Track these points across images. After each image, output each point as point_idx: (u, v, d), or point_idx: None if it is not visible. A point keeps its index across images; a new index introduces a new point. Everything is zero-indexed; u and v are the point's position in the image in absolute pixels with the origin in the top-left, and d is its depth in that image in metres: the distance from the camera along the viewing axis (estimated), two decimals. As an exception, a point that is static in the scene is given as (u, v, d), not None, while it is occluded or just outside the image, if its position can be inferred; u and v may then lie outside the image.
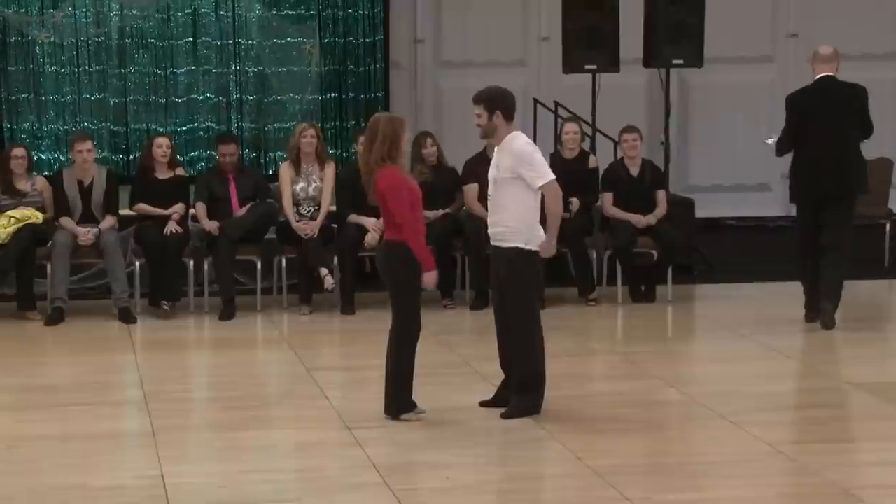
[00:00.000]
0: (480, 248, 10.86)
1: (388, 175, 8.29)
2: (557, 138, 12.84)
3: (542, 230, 8.54)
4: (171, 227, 11.89)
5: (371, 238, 11.62)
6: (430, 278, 8.40)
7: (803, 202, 11.35)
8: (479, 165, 11.25)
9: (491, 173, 8.63)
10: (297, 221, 12.03)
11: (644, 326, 11.67)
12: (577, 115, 13.63)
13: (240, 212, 12.08)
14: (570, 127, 12.63)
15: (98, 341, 11.08)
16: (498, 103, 8.53)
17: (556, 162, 12.49)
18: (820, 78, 11.34)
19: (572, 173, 12.39)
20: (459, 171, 12.43)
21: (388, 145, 8.29)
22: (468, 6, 15.71)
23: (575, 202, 12.16)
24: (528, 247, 8.47)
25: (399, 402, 8.43)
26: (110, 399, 9.34)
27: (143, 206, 12.10)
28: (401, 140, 8.32)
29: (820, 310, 11.12)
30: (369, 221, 11.77)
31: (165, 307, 11.83)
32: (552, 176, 8.45)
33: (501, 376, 8.75)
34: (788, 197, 11.77)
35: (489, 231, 8.65)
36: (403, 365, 8.41)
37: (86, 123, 14.56)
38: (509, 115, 8.56)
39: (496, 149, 8.63)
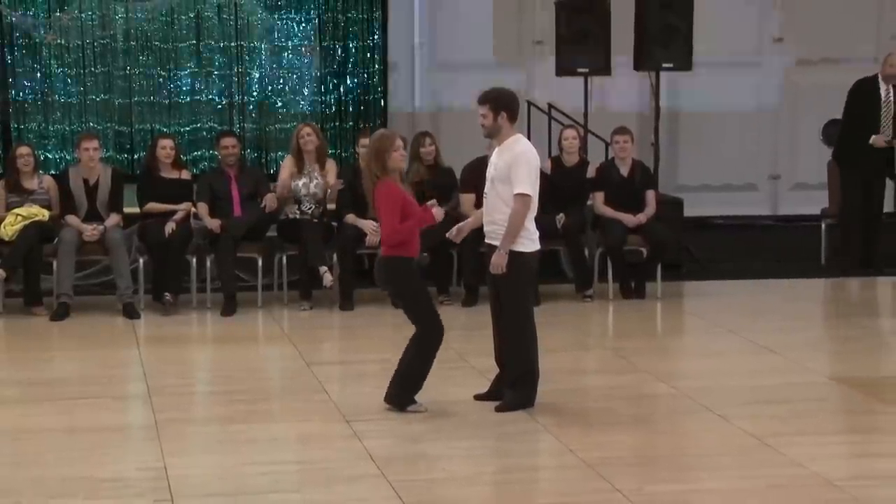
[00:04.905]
0: (473, 246, 10.90)
1: (382, 189, 8.42)
2: (557, 144, 12.88)
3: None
4: (170, 227, 11.97)
5: (371, 239, 11.74)
6: (438, 213, 8.57)
7: (855, 176, 13.69)
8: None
9: (489, 172, 8.67)
10: (298, 217, 12.15)
11: (634, 322, 11.74)
12: (570, 116, 13.82)
13: (242, 216, 12.24)
14: (570, 133, 12.73)
15: (103, 336, 11.10)
16: (503, 104, 8.57)
17: (556, 169, 12.64)
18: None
19: (571, 182, 12.54)
20: (456, 170, 12.49)
21: (374, 162, 8.44)
22: (464, 10, 15.81)
23: (561, 217, 12.29)
24: (520, 247, 8.52)
25: (403, 395, 8.52)
26: (114, 393, 9.33)
27: (154, 205, 12.20)
28: (384, 155, 8.39)
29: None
30: (367, 225, 11.88)
31: (168, 298, 11.89)
32: (530, 192, 8.46)
33: (495, 370, 8.80)
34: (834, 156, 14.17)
35: (484, 229, 8.69)
36: (422, 361, 8.48)
37: (91, 123, 14.67)
38: (513, 117, 8.61)
39: (496, 149, 8.66)
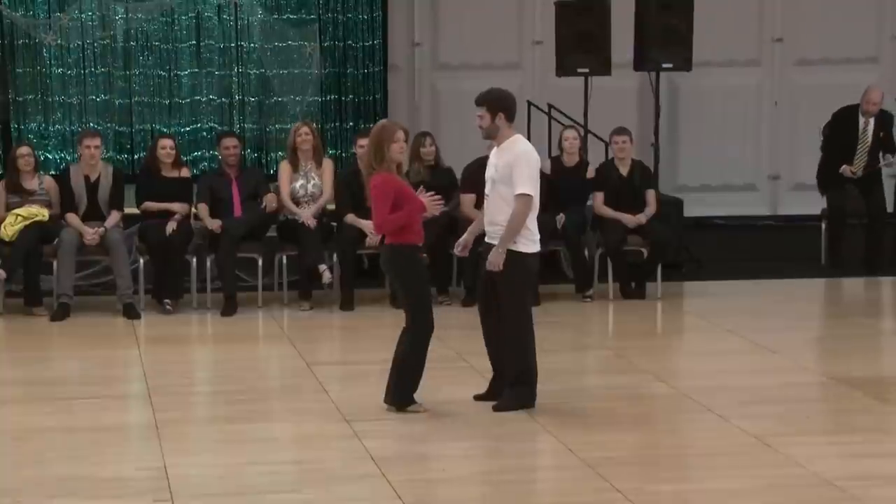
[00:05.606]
0: (473, 247, 10.91)
1: (376, 180, 8.44)
2: (558, 145, 12.92)
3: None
4: (170, 226, 11.99)
5: (371, 240, 11.77)
6: (427, 203, 8.52)
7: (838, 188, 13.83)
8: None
9: (488, 173, 8.69)
10: (298, 218, 12.12)
11: (634, 322, 11.77)
12: (570, 116, 13.82)
13: (242, 216, 12.24)
14: (570, 133, 12.78)
15: (103, 336, 11.14)
16: (500, 105, 8.59)
17: (556, 169, 12.68)
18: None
19: (571, 182, 12.58)
20: (456, 170, 12.51)
21: (373, 152, 8.46)
22: (464, 11, 15.82)
23: (562, 217, 12.31)
24: (521, 247, 8.53)
25: (402, 394, 8.54)
26: (115, 392, 9.40)
27: (151, 204, 12.19)
28: (383, 146, 8.40)
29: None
30: (368, 225, 11.89)
31: (168, 306, 11.94)
32: (532, 192, 8.47)
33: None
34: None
35: (485, 229, 8.72)
36: (416, 357, 8.49)
37: (91, 124, 14.62)
38: (511, 117, 8.62)
39: (495, 149, 8.68)
